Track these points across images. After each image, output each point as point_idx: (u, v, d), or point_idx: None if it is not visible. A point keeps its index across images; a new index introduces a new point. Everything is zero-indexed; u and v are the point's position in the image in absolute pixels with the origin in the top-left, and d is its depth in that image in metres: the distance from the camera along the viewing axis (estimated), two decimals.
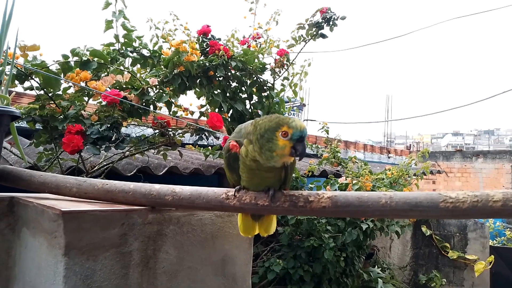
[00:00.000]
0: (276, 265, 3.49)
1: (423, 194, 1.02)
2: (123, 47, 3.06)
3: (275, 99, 3.73)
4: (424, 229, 5.68)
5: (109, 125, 2.54)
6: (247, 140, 1.11)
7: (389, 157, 9.82)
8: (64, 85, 2.64)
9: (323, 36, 3.57)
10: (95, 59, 2.71)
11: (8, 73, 1.63)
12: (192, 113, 3.38)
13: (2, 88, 1.55)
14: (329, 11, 3.50)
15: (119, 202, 1.23)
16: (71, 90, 2.67)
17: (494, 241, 7.45)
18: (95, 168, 2.89)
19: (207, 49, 3.33)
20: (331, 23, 3.55)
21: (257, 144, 1.06)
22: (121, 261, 1.14)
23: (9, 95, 1.56)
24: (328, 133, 4.89)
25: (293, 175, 3.66)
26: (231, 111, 3.55)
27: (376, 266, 4.61)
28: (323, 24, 3.57)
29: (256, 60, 3.51)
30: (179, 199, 1.17)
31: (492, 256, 5.25)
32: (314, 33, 3.58)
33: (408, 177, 4.40)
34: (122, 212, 1.15)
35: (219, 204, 1.15)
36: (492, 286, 5.59)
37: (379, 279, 4.17)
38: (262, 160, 1.08)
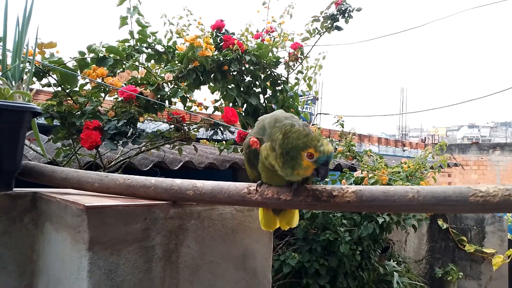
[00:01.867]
0: (292, 258, 3.49)
1: (451, 188, 0.99)
2: (138, 43, 3.07)
3: (289, 93, 3.70)
4: (440, 222, 5.61)
5: (126, 121, 2.56)
6: (270, 145, 1.09)
7: (404, 150, 9.69)
8: (80, 81, 2.67)
9: (338, 28, 3.52)
10: (111, 55, 2.73)
11: (27, 70, 1.64)
12: (206, 108, 3.38)
13: (23, 85, 1.57)
14: (345, 3, 3.44)
15: (141, 197, 1.24)
16: (88, 87, 2.70)
17: None
18: (112, 163, 2.92)
19: (221, 44, 3.32)
20: (346, 15, 3.50)
21: (281, 158, 1.05)
22: (144, 256, 1.14)
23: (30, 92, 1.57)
24: (343, 127, 4.84)
25: None
26: (245, 106, 3.54)
27: (392, 260, 4.57)
28: (338, 16, 3.52)
29: (270, 54, 3.48)
30: (201, 194, 1.16)
31: (511, 250, 5.15)
32: (329, 25, 3.53)
33: (425, 170, 4.33)
34: (144, 206, 1.16)
35: (241, 199, 1.14)
36: (510, 280, 5.50)
37: (394, 272, 4.14)
38: (280, 173, 1.07)
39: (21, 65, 1.51)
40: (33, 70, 2.37)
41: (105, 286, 1.07)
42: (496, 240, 5.51)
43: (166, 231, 1.19)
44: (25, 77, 1.57)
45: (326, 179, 3.96)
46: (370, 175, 3.76)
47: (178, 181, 1.20)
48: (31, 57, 1.71)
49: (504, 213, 7.19)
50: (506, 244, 5.49)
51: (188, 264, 1.24)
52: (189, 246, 1.24)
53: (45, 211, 1.33)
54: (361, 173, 3.93)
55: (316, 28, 3.59)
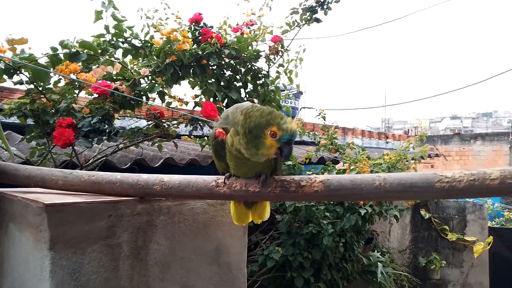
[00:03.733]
0: (276, 252, 3.48)
1: (418, 175, 0.99)
2: (114, 38, 3.00)
3: (270, 87, 3.68)
4: (423, 212, 5.68)
5: (100, 117, 2.50)
6: (233, 129, 1.06)
7: (387, 142, 9.79)
8: (54, 78, 2.59)
9: (317, 20, 3.50)
10: (85, 50, 2.65)
11: None
12: (186, 103, 3.33)
13: None
14: None
15: (107, 194, 1.20)
16: (62, 84, 2.62)
17: (493, 222, 7.48)
18: (89, 162, 2.85)
19: (199, 38, 3.27)
20: (325, 6, 3.48)
21: (244, 139, 1.02)
22: (110, 254, 1.11)
23: None
24: (325, 120, 4.85)
25: (290, 162, 3.63)
26: (226, 100, 3.50)
27: (376, 251, 4.61)
28: (317, 8, 3.50)
29: (250, 48, 3.44)
30: (168, 188, 1.13)
31: (491, 237, 5.26)
32: (308, 17, 3.51)
33: (406, 161, 4.37)
34: (109, 203, 1.12)
35: (209, 192, 1.12)
36: (491, 266, 5.62)
37: (378, 263, 4.17)
38: (246, 154, 1.05)
39: None
40: (2, 67, 2.30)
41: (68, 286, 1.03)
42: (477, 228, 5.61)
43: (133, 228, 1.16)
44: None
45: (308, 173, 3.96)
46: (352, 167, 3.77)
47: (144, 176, 1.17)
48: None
49: (485, 201, 7.34)
50: (486, 232, 5.60)
51: (158, 261, 1.21)
52: (159, 243, 1.22)
53: (9, 210, 1.28)
54: (343, 165, 3.94)
55: (296, 20, 3.57)
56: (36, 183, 1.29)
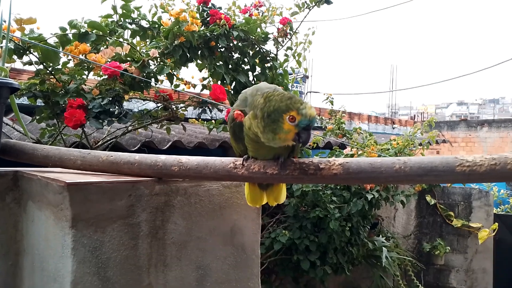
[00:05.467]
0: (282, 235, 3.52)
1: (438, 158, 0.98)
2: (122, 19, 2.97)
3: (278, 70, 3.65)
4: (428, 198, 5.70)
5: (110, 99, 2.49)
6: (253, 112, 1.05)
7: (393, 128, 9.75)
8: (63, 59, 2.58)
9: (328, 2, 3.44)
10: (94, 31, 2.63)
11: (3, 46, 1.57)
12: (194, 86, 3.32)
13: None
14: None
15: (125, 174, 1.21)
16: (71, 64, 2.61)
17: (498, 209, 7.50)
18: (99, 143, 2.86)
19: (208, 19, 3.22)
20: None
21: (261, 122, 1.01)
22: (130, 232, 1.13)
23: None
24: (332, 104, 4.82)
25: None
26: (233, 83, 3.48)
27: (381, 236, 4.65)
28: None
29: (258, 30, 3.40)
30: (186, 169, 1.14)
31: (496, 224, 5.28)
32: None
33: (414, 147, 4.36)
34: (129, 183, 1.13)
35: (227, 174, 1.12)
36: (495, 253, 5.66)
37: (383, 247, 4.21)
38: (262, 139, 1.04)
39: None
40: (12, 47, 2.29)
41: (90, 263, 1.05)
42: (483, 215, 5.62)
43: (152, 208, 1.17)
44: (0, 52, 1.50)
45: (315, 157, 3.96)
46: (359, 152, 3.77)
47: (162, 157, 1.18)
48: (7, 32, 1.63)
49: (491, 188, 7.34)
50: (491, 219, 5.62)
51: (175, 241, 1.23)
52: (176, 223, 1.23)
53: (27, 189, 1.29)
54: (351, 150, 3.94)
55: (306, 2, 3.51)
56: (54, 163, 1.30)
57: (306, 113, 0.99)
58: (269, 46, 3.58)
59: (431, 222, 5.83)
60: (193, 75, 3.40)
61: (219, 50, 3.21)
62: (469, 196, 5.63)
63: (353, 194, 3.79)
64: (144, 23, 3.05)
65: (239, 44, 3.31)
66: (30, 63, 2.47)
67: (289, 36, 3.62)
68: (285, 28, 3.55)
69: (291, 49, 3.74)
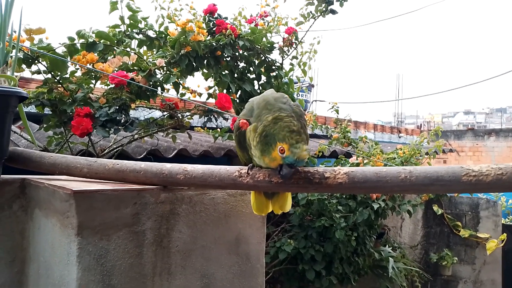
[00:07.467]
0: (287, 245, 3.50)
1: (444, 168, 0.98)
2: (129, 29, 3.01)
3: (284, 79, 3.67)
4: (435, 208, 5.63)
5: (117, 107, 2.52)
6: (255, 125, 1.08)
7: (399, 137, 9.70)
8: (71, 68, 2.62)
9: (333, 12, 3.47)
10: (101, 41, 2.67)
11: (13, 55, 1.60)
12: (200, 95, 3.34)
13: (9, 69, 1.53)
14: None
15: (131, 182, 1.22)
16: (79, 74, 2.65)
17: (507, 219, 7.39)
18: (105, 151, 2.89)
19: (214, 29, 3.26)
20: None
21: (257, 138, 1.05)
22: (135, 240, 1.13)
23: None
24: (338, 113, 4.82)
25: None
26: (239, 92, 3.50)
27: (387, 246, 4.60)
28: None
29: (264, 39, 3.43)
30: (191, 177, 1.14)
31: (505, 234, 5.19)
32: (324, 9, 3.48)
33: (420, 156, 4.34)
34: (134, 191, 1.14)
35: (232, 182, 1.13)
36: (504, 264, 5.57)
37: (390, 258, 4.17)
38: (252, 151, 1.08)
39: (6, 49, 1.47)
40: (21, 56, 2.33)
41: (95, 271, 1.05)
42: (491, 225, 5.55)
43: (157, 216, 1.18)
44: (10, 61, 1.52)
45: (321, 166, 3.95)
46: (365, 161, 3.76)
47: (168, 165, 1.18)
48: (17, 42, 1.67)
49: (499, 198, 7.25)
50: (500, 229, 5.54)
51: (180, 249, 1.23)
52: (181, 231, 1.23)
53: (34, 197, 1.31)
54: (357, 159, 3.92)
55: (311, 12, 3.54)
56: (60, 171, 1.32)
57: (295, 152, 1.01)
58: (275, 55, 3.61)
59: (438, 232, 5.76)
60: (199, 84, 3.42)
61: (225, 59, 3.24)
62: (477, 206, 5.57)
63: (359, 203, 3.77)
64: (151, 33, 3.10)
65: (245, 53, 3.33)
66: (38, 72, 2.50)
67: (294, 46, 3.64)
68: (290, 38, 3.57)
69: (297, 58, 3.77)
